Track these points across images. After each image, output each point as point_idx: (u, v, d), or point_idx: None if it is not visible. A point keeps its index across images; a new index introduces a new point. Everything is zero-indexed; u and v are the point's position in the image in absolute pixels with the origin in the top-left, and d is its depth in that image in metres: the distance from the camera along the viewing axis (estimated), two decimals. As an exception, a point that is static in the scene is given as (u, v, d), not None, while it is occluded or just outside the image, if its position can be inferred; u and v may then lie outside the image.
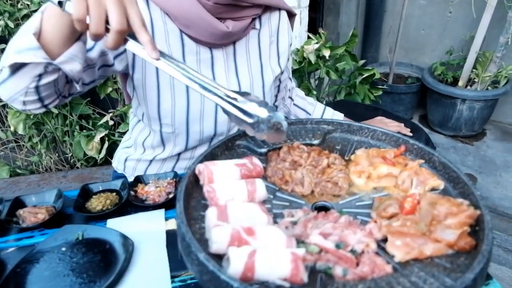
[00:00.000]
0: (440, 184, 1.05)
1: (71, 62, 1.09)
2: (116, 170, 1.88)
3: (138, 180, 1.43)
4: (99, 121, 3.25)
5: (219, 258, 0.85)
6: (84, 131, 3.27)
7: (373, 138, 1.27)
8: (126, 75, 1.53)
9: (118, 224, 1.22)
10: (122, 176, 1.84)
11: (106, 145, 3.18)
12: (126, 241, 1.12)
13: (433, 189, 1.06)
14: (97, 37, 0.94)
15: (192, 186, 1.05)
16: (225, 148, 1.22)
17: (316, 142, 1.25)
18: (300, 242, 0.89)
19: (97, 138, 3.16)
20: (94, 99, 3.30)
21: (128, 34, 0.96)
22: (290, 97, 1.95)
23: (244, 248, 0.81)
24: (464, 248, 0.84)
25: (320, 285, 0.79)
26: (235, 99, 1.08)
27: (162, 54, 1.00)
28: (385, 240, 0.89)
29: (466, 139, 4.35)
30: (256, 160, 1.13)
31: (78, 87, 1.23)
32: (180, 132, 1.54)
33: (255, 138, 1.17)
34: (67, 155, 3.36)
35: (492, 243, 0.82)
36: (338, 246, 0.84)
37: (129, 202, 1.29)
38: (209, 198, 0.99)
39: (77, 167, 3.36)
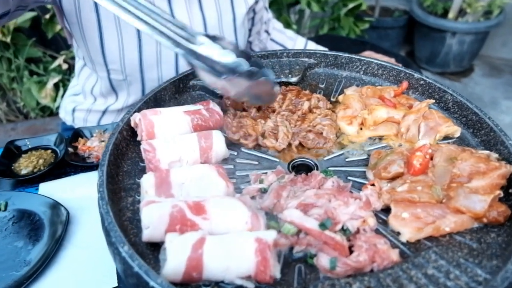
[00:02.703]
0: (456, 130, 0.83)
1: None
2: (65, 122, 1.63)
3: (78, 133, 1.18)
4: (51, 64, 2.89)
5: (157, 247, 0.60)
6: (35, 76, 2.92)
7: (367, 73, 1.03)
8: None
9: (53, 189, 1.03)
10: (72, 128, 1.60)
11: (61, 92, 2.85)
12: (59, 210, 0.94)
13: (446, 138, 0.84)
14: None
15: (127, 144, 0.80)
16: (174, 90, 0.94)
17: (294, 79, 1.00)
18: (271, 218, 0.64)
19: (50, 84, 2.82)
20: (43, 38, 2.90)
21: None
22: (267, 31, 1.69)
23: (188, 235, 0.56)
24: (496, 220, 0.63)
25: (297, 283, 0.55)
26: (192, 41, 0.78)
27: None
28: (387, 209, 0.67)
29: (454, 76, 4.22)
30: (214, 106, 0.86)
31: None
32: (133, 80, 1.30)
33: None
34: (18, 105, 3.01)
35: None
36: (323, 225, 0.60)
37: (67, 161, 1.07)
38: (147, 160, 0.73)
39: (32, 118, 3.02)
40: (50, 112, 3.06)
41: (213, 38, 0.79)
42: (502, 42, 4.32)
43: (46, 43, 3.00)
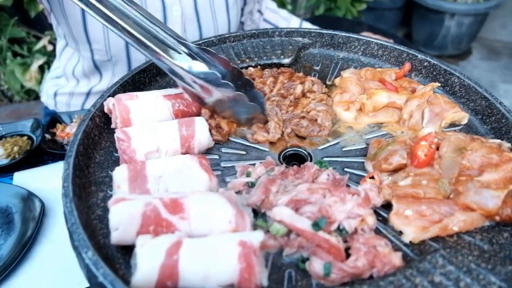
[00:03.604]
0: (464, 117, 0.78)
1: None
2: (47, 106, 1.57)
3: (57, 119, 1.13)
4: (35, 45, 2.79)
5: (130, 249, 0.53)
6: (19, 58, 2.81)
7: (366, 54, 0.97)
8: None
9: (28, 179, 0.99)
10: (54, 113, 1.55)
11: (46, 74, 2.74)
12: (34, 202, 0.90)
13: (452, 125, 0.78)
14: None
15: (100, 132, 0.74)
16: (156, 72, 0.87)
17: (286, 61, 0.94)
18: (259, 216, 0.57)
19: (35, 67, 2.73)
20: (26, 18, 2.78)
21: None
22: (259, 11, 1.64)
23: (162, 238, 0.50)
24: (510, 218, 0.58)
25: (287, 293, 0.49)
26: (179, 51, 0.72)
27: None
28: (387, 206, 0.61)
29: (452, 59, 4.18)
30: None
31: None
32: (118, 60, 1.24)
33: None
34: (2, 88, 2.91)
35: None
36: (316, 225, 0.53)
37: (44, 149, 1.03)
38: (121, 150, 0.66)
39: (16, 101, 2.93)
40: (36, 96, 2.96)
41: (205, 51, 0.73)
42: (501, 24, 4.27)
43: (30, 22, 2.88)
